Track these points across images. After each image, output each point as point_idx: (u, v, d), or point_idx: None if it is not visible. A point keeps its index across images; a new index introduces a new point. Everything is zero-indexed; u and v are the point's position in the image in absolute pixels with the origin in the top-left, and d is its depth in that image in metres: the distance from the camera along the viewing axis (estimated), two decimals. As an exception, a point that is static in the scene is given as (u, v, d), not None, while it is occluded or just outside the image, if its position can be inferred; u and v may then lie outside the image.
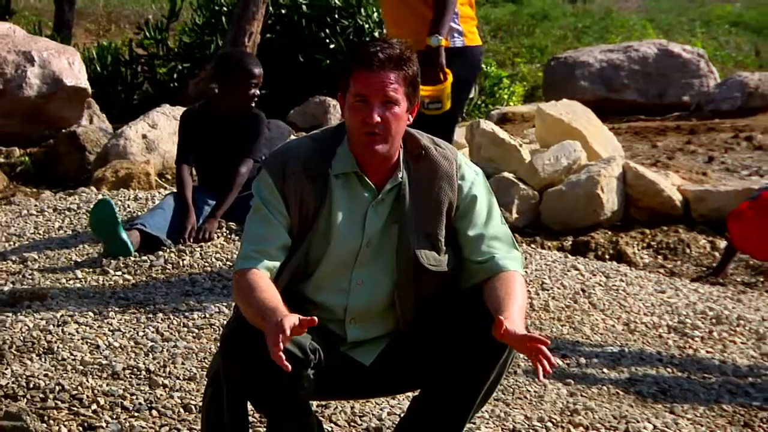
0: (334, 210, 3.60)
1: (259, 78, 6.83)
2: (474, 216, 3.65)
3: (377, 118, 3.49)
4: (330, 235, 3.59)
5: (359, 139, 3.55)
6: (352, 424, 4.34)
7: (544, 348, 3.19)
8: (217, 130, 6.80)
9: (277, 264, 3.53)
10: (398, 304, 3.64)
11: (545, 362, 3.18)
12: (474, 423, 4.14)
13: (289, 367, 3.12)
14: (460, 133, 9.77)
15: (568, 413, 4.66)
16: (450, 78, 5.52)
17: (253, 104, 6.83)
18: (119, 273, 6.12)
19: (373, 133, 3.51)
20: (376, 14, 12.94)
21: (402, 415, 3.98)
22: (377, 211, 3.62)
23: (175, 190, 7.12)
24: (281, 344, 3.12)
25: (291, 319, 3.16)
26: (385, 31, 12.60)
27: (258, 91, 6.82)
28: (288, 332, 3.12)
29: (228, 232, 6.62)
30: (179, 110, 9.71)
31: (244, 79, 6.80)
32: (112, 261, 6.23)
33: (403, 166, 3.63)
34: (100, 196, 7.46)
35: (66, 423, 4.27)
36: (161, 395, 4.54)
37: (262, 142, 6.86)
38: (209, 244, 6.47)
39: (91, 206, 6.66)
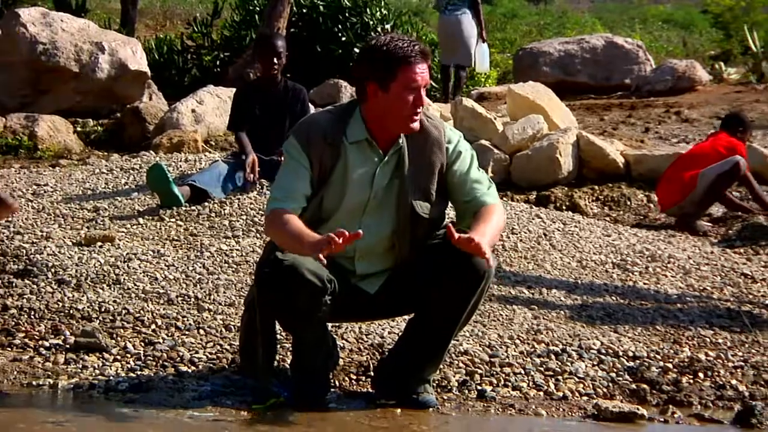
0: (349, 169, 3.64)
1: (279, 48, 6.75)
2: (460, 166, 3.70)
3: (423, 103, 3.60)
4: (345, 189, 3.63)
5: (407, 120, 3.59)
6: (360, 340, 4.33)
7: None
8: (260, 102, 6.73)
9: (300, 207, 3.58)
10: (397, 245, 3.69)
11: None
12: (457, 340, 4.12)
13: (324, 260, 3.26)
14: (446, 108, 9.74)
15: (533, 332, 4.65)
16: None
17: (275, 70, 6.71)
18: (173, 220, 6.11)
19: (417, 115, 3.59)
20: (378, 13, 12.90)
21: (399, 334, 3.97)
22: (383, 170, 3.66)
23: (218, 158, 7.09)
24: (325, 252, 3.25)
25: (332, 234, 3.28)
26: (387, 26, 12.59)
27: (279, 60, 6.72)
28: (337, 239, 3.25)
29: (260, 187, 6.59)
30: (222, 90, 9.69)
31: (268, 50, 6.78)
32: (167, 210, 6.22)
33: (404, 135, 3.66)
34: (157, 159, 7.44)
35: (130, 339, 4.27)
36: (207, 317, 4.54)
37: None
38: (245, 196, 6.45)
39: (147, 168, 6.64)
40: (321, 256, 3.25)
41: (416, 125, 3.60)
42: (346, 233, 3.27)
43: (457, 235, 3.34)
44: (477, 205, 3.64)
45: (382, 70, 3.57)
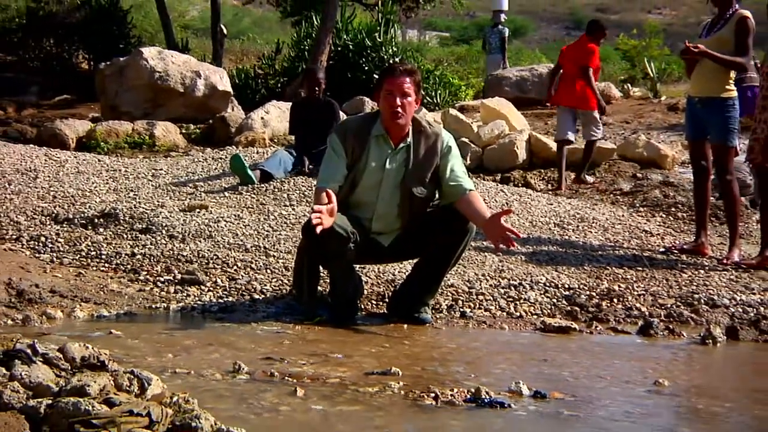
0: (371, 156, 3.62)
1: (318, 76, 6.78)
2: (449, 160, 3.66)
3: (399, 103, 3.49)
4: (367, 170, 3.61)
5: (389, 116, 3.55)
6: (379, 277, 4.31)
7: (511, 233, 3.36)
8: (307, 112, 6.70)
9: (337, 185, 3.56)
10: (401, 213, 3.66)
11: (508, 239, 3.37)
12: (447, 278, 4.09)
13: (318, 229, 3.20)
14: (437, 116, 9.65)
15: (499, 271, 4.61)
16: None
17: (317, 90, 6.68)
18: (248, 193, 6.07)
19: (396, 113, 3.46)
20: (390, 50, 12.80)
21: (407, 273, 3.95)
22: (392, 159, 3.62)
23: (279, 148, 7.05)
24: (319, 216, 3.21)
25: (324, 207, 3.27)
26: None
27: (319, 87, 6.69)
28: (322, 208, 3.23)
29: (309, 170, 6.55)
30: (282, 104, 9.64)
31: (310, 77, 6.82)
32: (244, 187, 6.18)
33: (412, 135, 3.62)
34: (237, 151, 7.41)
35: (219, 276, 4.25)
36: (272, 261, 4.52)
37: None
38: (299, 177, 6.41)
39: (230, 157, 6.60)
40: (316, 221, 3.21)
41: (400, 121, 3.53)
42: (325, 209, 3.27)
43: (504, 218, 3.36)
44: (462, 189, 3.56)
45: (378, 82, 3.63)
